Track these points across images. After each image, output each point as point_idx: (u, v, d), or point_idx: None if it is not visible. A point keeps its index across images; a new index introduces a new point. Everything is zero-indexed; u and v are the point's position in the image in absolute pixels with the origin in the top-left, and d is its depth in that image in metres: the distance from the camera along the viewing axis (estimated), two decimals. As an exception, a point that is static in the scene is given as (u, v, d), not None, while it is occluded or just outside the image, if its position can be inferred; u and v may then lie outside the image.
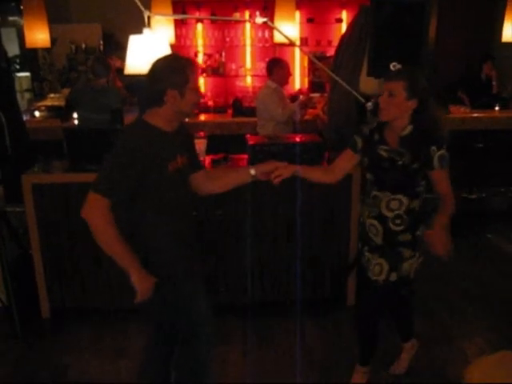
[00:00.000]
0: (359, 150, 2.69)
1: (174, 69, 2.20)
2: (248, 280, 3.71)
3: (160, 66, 2.25)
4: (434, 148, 2.47)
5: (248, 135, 3.89)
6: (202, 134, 3.94)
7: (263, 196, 3.60)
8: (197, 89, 2.28)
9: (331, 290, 3.87)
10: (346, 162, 2.78)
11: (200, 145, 3.76)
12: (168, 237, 2.33)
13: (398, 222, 2.59)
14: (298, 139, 3.81)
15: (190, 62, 2.27)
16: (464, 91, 6.43)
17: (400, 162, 2.54)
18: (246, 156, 3.69)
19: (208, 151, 3.83)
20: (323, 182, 2.87)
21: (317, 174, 2.87)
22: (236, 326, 3.65)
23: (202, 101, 7.32)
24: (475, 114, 5.93)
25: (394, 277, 2.65)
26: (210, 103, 7.30)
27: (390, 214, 2.60)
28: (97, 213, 2.11)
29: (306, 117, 5.60)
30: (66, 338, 3.56)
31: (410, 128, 2.53)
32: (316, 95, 6.62)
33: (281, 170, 2.57)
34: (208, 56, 7.54)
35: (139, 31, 3.21)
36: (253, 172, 2.61)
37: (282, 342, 3.48)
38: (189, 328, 2.49)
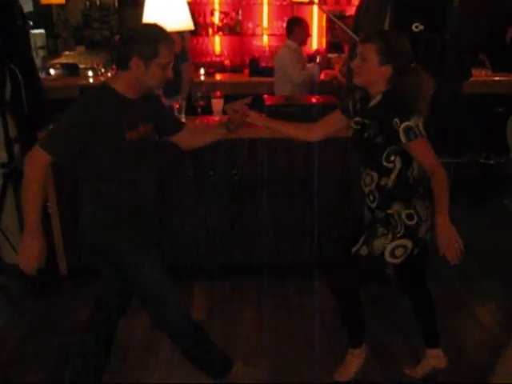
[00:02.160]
0: (349, 114, 2.56)
1: (146, 38, 2.15)
2: (263, 240, 3.73)
3: (136, 30, 2.23)
4: (396, 120, 2.25)
5: (265, 95, 3.86)
6: (218, 93, 3.89)
7: (278, 156, 3.59)
8: (166, 67, 2.20)
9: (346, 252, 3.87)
10: (330, 124, 2.66)
11: (217, 104, 3.74)
12: (121, 205, 2.32)
13: (372, 198, 2.46)
14: (315, 100, 3.76)
15: (167, 39, 2.19)
16: (485, 54, 6.30)
17: (366, 134, 2.38)
18: (262, 116, 3.65)
19: (224, 111, 3.80)
20: (302, 140, 2.82)
21: (295, 131, 2.75)
22: (251, 286, 3.69)
23: (217, 60, 7.29)
24: (496, 78, 5.82)
25: (364, 251, 2.45)
26: (227, 62, 7.23)
27: (365, 189, 2.49)
28: (32, 166, 2.12)
29: (323, 78, 5.53)
30: (84, 295, 3.60)
31: (379, 97, 2.36)
32: (334, 55, 6.52)
33: (251, 119, 2.63)
34: (224, 14, 7.41)
35: (156, -13, 3.16)
36: (225, 130, 2.66)
37: (295, 302, 3.51)
38: (146, 292, 2.41)
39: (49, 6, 7.76)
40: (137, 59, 2.14)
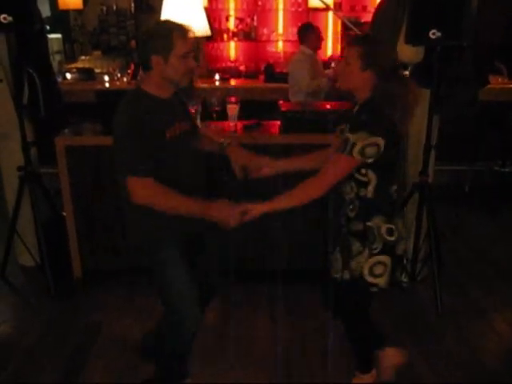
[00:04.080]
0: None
1: (158, 34, 2.16)
2: (275, 247, 3.72)
3: (147, 30, 2.23)
4: (346, 127, 2.22)
5: (281, 101, 3.86)
6: (233, 99, 3.90)
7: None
8: (185, 56, 2.18)
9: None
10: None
11: (232, 110, 3.74)
12: None
13: (351, 207, 2.32)
14: (331, 107, 3.76)
15: (179, 28, 2.17)
16: (502, 61, 6.24)
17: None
18: (278, 122, 3.66)
19: (240, 117, 3.80)
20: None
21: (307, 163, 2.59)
22: (262, 293, 3.68)
23: (232, 65, 7.32)
24: (513, 85, 5.77)
25: (346, 275, 2.36)
26: (242, 68, 7.26)
27: (346, 197, 2.35)
28: (148, 194, 2.17)
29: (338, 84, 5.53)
30: (98, 297, 3.64)
31: (359, 105, 2.28)
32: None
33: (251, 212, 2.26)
34: (240, 20, 7.45)
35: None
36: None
37: (308, 309, 3.50)
38: (168, 297, 2.41)
39: (66, 11, 7.83)
40: (155, 57, 2.15)
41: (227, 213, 2.18)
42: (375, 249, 2.28)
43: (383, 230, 2.27)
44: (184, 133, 2.34)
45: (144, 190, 2.16)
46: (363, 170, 2.23)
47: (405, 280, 3.77)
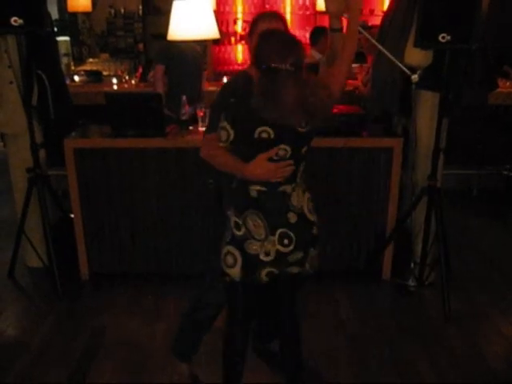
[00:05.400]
0: None
1: (252, 22, 2.54)
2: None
3: None
4: None
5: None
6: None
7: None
8: None
9: (366, 262, 3.84)
10: None
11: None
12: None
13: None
14: (337, 110, 3.74)
15: (263, 14, 2.60)
16: (510, 65, 6.22)
17: None
18: None
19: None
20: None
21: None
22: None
23: (239, 68, 7.31)
24: (521, 89, 5.75)
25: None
26: (249, 71, 7.27)
27: None
28: (208, 149, 2.36)
29: (347, 88, 5.52)
30: (105, 300, 3.63)
31: None
32: (356, 65, 6.50)
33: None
34: (247, 23, 7.45)
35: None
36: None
37: (314, 312, 3.49)
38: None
39: (74, 14, 7.88)
40: (249, 39, 2.50)
41: (264, 167, 2.19)
42: (227, 237, 2.32)
43: (232, 222, 2.29)
44: None
45: (205, 146, 2.39)
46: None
47: (412, 284, 3.76)
